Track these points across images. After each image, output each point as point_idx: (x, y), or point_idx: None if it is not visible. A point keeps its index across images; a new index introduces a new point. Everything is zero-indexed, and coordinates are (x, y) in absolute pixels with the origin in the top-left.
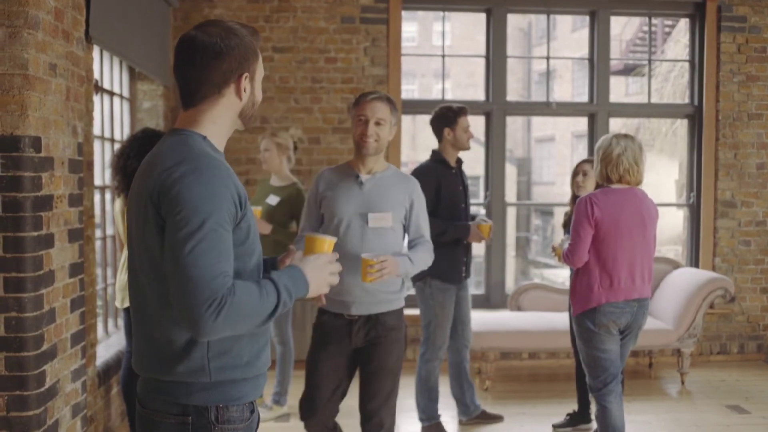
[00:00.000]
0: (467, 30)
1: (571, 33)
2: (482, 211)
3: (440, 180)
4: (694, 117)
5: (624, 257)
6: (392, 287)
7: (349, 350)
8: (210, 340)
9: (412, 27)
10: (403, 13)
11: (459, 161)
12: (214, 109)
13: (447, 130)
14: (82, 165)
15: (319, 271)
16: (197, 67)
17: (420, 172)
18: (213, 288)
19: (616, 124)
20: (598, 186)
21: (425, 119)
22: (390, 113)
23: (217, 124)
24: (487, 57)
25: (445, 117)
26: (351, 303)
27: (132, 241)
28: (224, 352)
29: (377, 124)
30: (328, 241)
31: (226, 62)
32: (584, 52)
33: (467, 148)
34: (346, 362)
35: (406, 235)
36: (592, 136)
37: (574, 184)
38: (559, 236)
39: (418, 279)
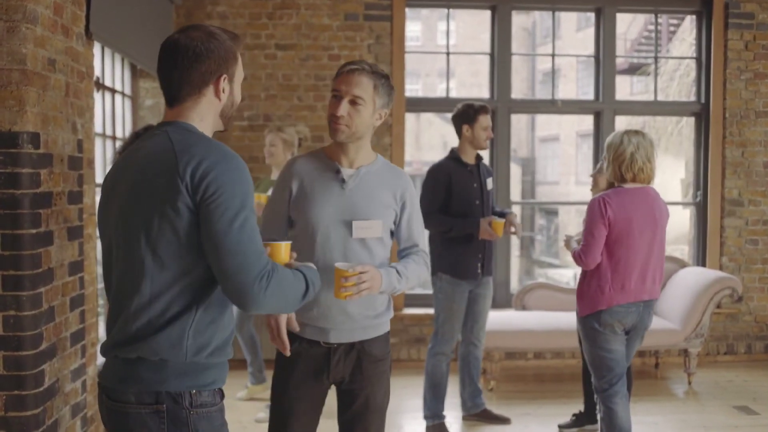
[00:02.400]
0: (472, 29)
1: (575, 32)
2: (514, 209)
3: (451, 177)
4: (701, 115)
5: (636, 258)
6: (378, 308)
7: (328, 386)
8: (255, 312)
9: (416, 26)
10: (408, 13)
11: (479, 158)
12: (197, 107)
13: (466, 127)
14: (82, 162)
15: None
16: (178, 68)
17: (432, 169)
18: (262, 262)
19: (622, 123)
20: (610, 185)
21: (429, 118)
22: (374, 91)
23: (204, 121)
24: (491, 54)
25: (466, 114)
26: (329, 329)
27: (123, 226)
28: (200, 331)
29: (353, 103)
30: (284, 245)
31: (205, 64)
32: (589, 51)
33: (484, 148)
34: (321, 401)
35: (397, 243)
36: (597, 134)
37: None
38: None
39: (431, 273)
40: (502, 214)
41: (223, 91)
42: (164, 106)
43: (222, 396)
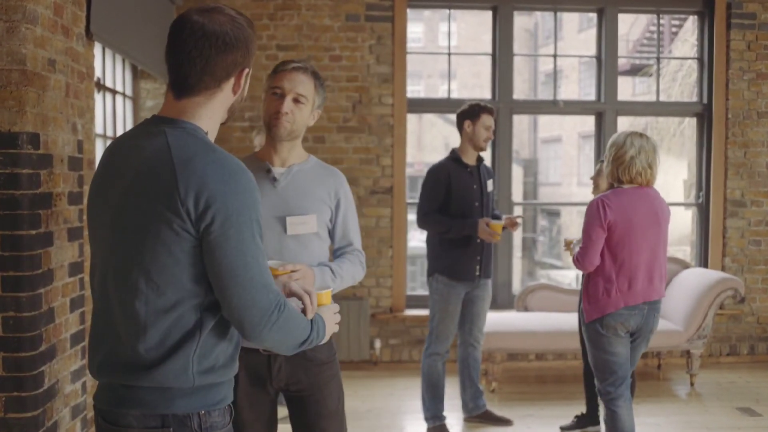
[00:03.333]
0: (473, 30)
1: (577, 33)
2: (516, 210)
3: (450, 177)
4: (703, 115)
5: (641, 258)
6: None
7: (272, 394)
8: (256, 345)
9: (417, 28)
10: (409, 14)
11: (479, 159)
12: (211, 102)
13: (467, 122)
14: (82, 162)
15: (330, 321)
16: (203, 56)
17: (432, 169)
18: (273, 293)
19: (624, 124)
20: (610, 186)
21: (431, 119)
22: (314, 90)
23: (213, 119)
24: (493, 55)
25: (470, 111)
26: None
27: (117, 239)
28: (205, 354)
29: (296, 101)
30: (325, 294)
31: (233, 55)
32: (591, 52)
33: (483, 148)
34: (269, 408)
35: (332, 242)
36: (599, 134)
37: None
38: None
39: (428, 274)
40: (497, 218)
41: (242, 86)
42: (166, 95)
43: (231, 414)
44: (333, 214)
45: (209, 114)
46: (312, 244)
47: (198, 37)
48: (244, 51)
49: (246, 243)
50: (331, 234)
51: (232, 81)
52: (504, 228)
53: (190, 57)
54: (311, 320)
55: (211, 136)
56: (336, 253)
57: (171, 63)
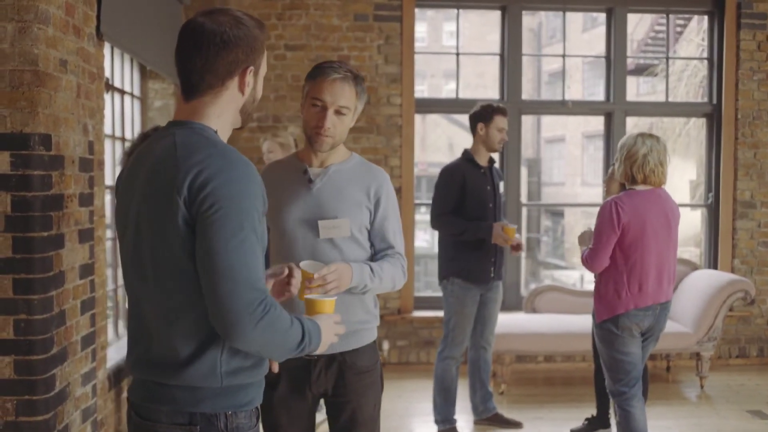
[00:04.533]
0: (478, 30)
1: (581, 33)
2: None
3: (466, 178)
4: (713, 116)
5: (651, 260)
6: (360, 314)
7: (310, 400)
8: (240, 348)
9: (421, 27)
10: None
11: (491, 161)
12: (217, 101)
13: (481, 125)
14: (93, 164)
15: (328, 331)
16: (202, 55)
17: (446, 169)
18: (258, 290)
19: (629, 123)
20: (622, 189)
21: (435, 119)
22: (356, 98)
23: (222, 118)
24: (501, 55)
25: (483, 113)
26: None
27: (138, 243)
28: (235, 354)
29: (338, 113)
30: (328, 302)
31: (233, 53)
32: (595, 51)
33: (496, 150)
34: (307, 414)
35: (372, 244)
36: (608, 135)
37: None
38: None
39: (442, 277)
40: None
41: (248, 85)
42: (176, 103)
43: (258, 416)
44: (372, 215)
45: (217, 113)
46: (348, 248)
47: (198, 37)
48: (246, 49)
49: (232, 230)
50: (371, 237)
51: (236, 80)
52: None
53: (190, 56)
54: (303, 326)
55: (223, 136)
56: (376, 257)
57: (177, 66)
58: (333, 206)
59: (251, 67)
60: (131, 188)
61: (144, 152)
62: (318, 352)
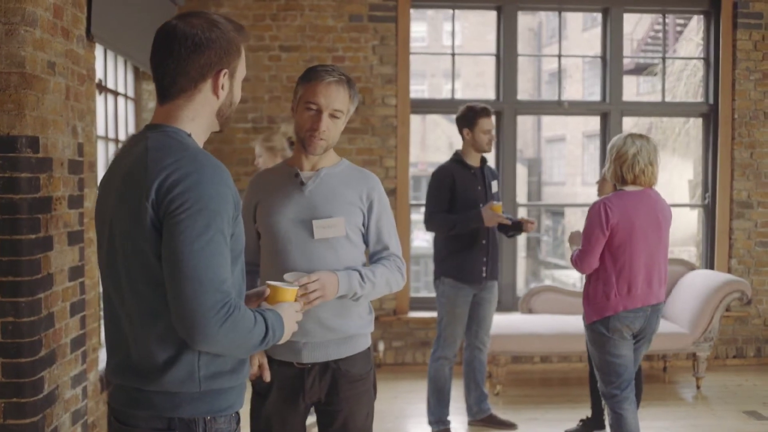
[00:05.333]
0: (477, 30)
1: (581, 33)
2: (519, 211)
3: (455, 179)
4: (709, 116)
5: (641, 262)
6: (355, 318)
7: (303, 408)
8: (203, 350)
9: (421, 27)
10: (413, 14)
11: (483, 160)
12: (191, 104)
13: (466, 130)
14: (82, 166)
15: (290, 320)
16: (174, 57)
17: (436, 171)
18: (222, 292)
19: (628, 124)
20: (614, 190)
21: (435, 119)
22: (349, 101)
23: (196, 121)
24: (497, 55)
25: (466, 117)
26: (300, 346)
27: (111, 247)
28: (213, 358)
29: (332, 116)
30: (291, 291)
31: (205, 55)
32: (596, 51)
33: (486, 151)
34: (300, 423)
35: (367, 247)
36: (604, 135)
37: None
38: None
39: (435, 277)
40: (510, 220)
41: (222, 88)
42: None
43: (238, 421)
44: (365, 217)
45: (191, 116)
46: (342, 248)
47: (170, 40)
48: (219, 52)
49: (197, 232)
50: (365, 238)
51: (209, 82)
52: (521, 230)
53: (163, 60)
54: (266, 321)
55: (198, 140)
56: (372, 259)
57: (152, 70)
58: (326, 206)
59: (225, 70)
60: (108, 193)
61: (120, 157)
62: (281, 342)
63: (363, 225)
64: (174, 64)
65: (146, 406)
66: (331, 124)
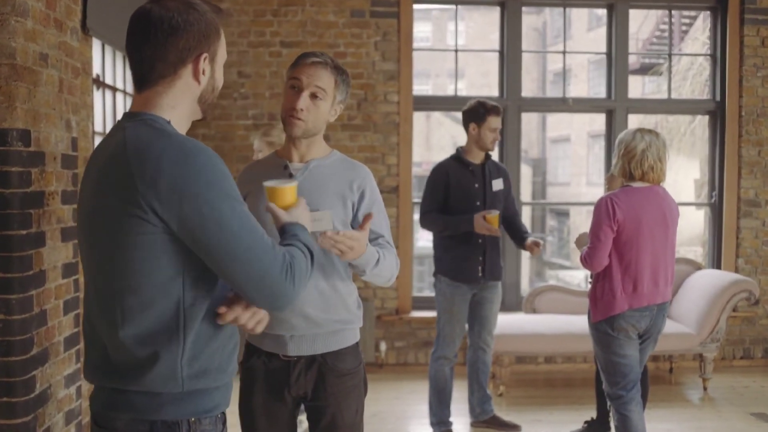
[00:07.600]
0: (481, 29)
1: (587, 32)
2: (524, 210)
3: (450, 176)
4: (716, 113)
5: (647, 260)
6: (342, 312)
7: (290, 403)
8: (287, 307)
9: (426, 26)
10: (417, 13)
11: (487, 157)
12: (171, 91)
13: (473, 125)
14: (77, 160)
15: (308, 222)
16: (151, 42)
17: (433, 168)
18: (275, 253)
19: (634, 122)
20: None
21: (439, 118)
22: (335, 86)
23: (177, 109)
24: (501, 52)
25: (476, 112)
26: (287, 339)
27: (89, 244)
28: (196, 356)
29: (314, 96)
30: (289, 189)
31: (183, 39)
32: (601, 50)
33: (489, 149)
34: (287, 417)
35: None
36: (610, 133)
37: None
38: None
39: (434, 275)
40: (526, 233)
41: (203, 73)
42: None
43: (224, 422)
44: (356, 207)
45: (171, 103)
46: None
47: (145, 24)
48: (198, 35)
49: (227, 216)
50: (356, 223)
51: (189, 67)
52: (526, 249)
53: (139, 45)
54: (306, 245)
55: (181, 128)
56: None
57: (127, 55)
58: (314, 200)
59: (205, 54)
60: (87, 189)
61: (99, 149)
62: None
63: (352, 216)
64: (151, 49)
65: (127, 408)
66: (311, 104)
